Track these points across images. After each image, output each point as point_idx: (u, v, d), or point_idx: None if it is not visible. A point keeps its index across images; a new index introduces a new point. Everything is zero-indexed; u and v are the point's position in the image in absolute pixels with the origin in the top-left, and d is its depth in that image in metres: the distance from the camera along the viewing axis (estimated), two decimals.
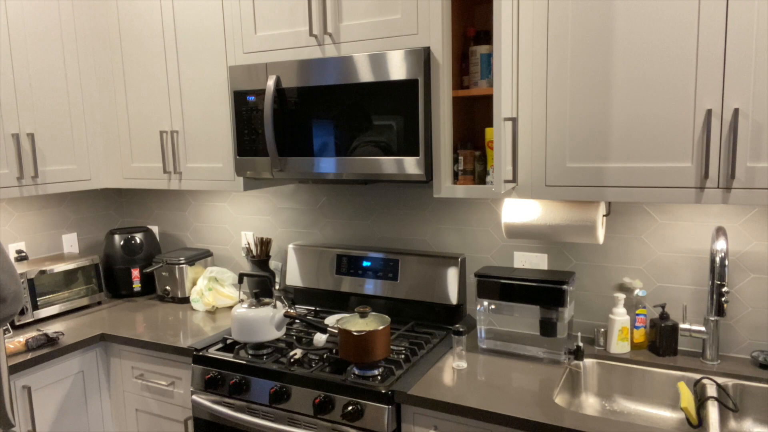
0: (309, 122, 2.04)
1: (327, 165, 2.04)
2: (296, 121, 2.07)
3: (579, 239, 1.89)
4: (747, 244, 1.87)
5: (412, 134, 1.88)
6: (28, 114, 2.37)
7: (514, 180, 1.81)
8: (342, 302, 2.45)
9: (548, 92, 1.75)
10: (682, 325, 1.89)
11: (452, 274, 2.21)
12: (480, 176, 2.01)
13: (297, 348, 2.03)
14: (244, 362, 1.98)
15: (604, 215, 1.92)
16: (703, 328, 1.87)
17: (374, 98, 1.92)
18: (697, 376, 1.82)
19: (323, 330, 1.99)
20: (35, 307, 2.46)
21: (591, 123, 1.71)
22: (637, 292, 2.00)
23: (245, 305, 2.05)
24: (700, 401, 1.74)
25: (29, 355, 2.11)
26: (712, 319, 1.86)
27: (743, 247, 1.88)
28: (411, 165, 1.90)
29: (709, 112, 1.57)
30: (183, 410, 2.22)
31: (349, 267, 2.41)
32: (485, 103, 2.18)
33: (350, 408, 1.76)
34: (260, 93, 2.13)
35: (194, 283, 2.72)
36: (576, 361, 1.94)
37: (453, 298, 2.21)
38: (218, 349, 2.11)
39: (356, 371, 1.85)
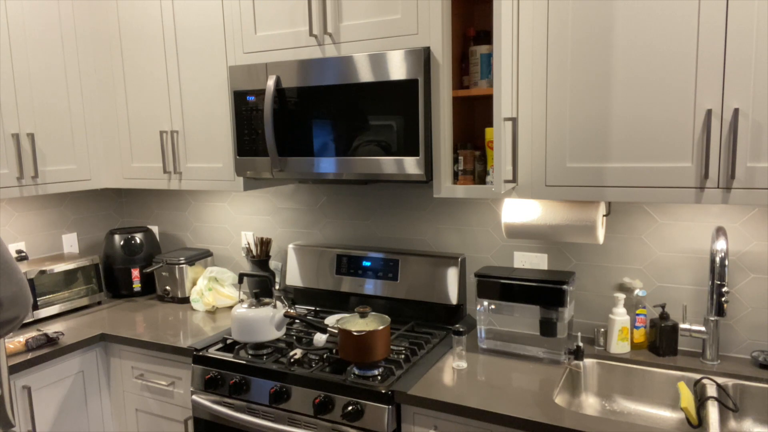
0: (309, 122, 2.04)
1: (327, 165, 2.04)
2: (296, 121, 2.07)
3: (579, 239, 1.89)
4: (747, 244, 1.87)
5: (412, 134, 1.88)
6: (28, 114, 2.37)
7: (514, 180, 1.81)
8: (342, 302, 2.45)
9: (548, 92, 1.75)
10: (682, 325, 1.89)
11: (452, 274, 2.21)
12: (480, 176, 2.01)
13: (297, 348, 2.03)
14: (244, 362, 1.98)
15: (604, 215, 1.92)
16: (703, 328, 1.87)
17: (374, 98, 1.92)
18: (697, 376, 1.82)
19: (323, 330, 1.99)
20: (35, 307, 2.46)
21: (591, 123, 1.71)
22: (637, 292, 2.00)
23: (245, 305, 2.05)
24: (700, 401, 1.74)
25: (29, 355, 2.11)
26: (712, 319, 1.86)
27: (743, 247, 1.88)
28: (411, 165, 1.90)
29: (709, 112, 1.57)
30: (183, 410, 2.22)
31: (349, 267, 2.41)
32: (485, 103, 2.18)
33: (350, 408, 1.76)
34: (260, 93, 2.13)
35: (194, 283, 2.72)
36: (576, 361, 1.94)
37: (453, 298, 2.21)
38: (218, 349, 2.11)
39: (356, 371, 1.85)
